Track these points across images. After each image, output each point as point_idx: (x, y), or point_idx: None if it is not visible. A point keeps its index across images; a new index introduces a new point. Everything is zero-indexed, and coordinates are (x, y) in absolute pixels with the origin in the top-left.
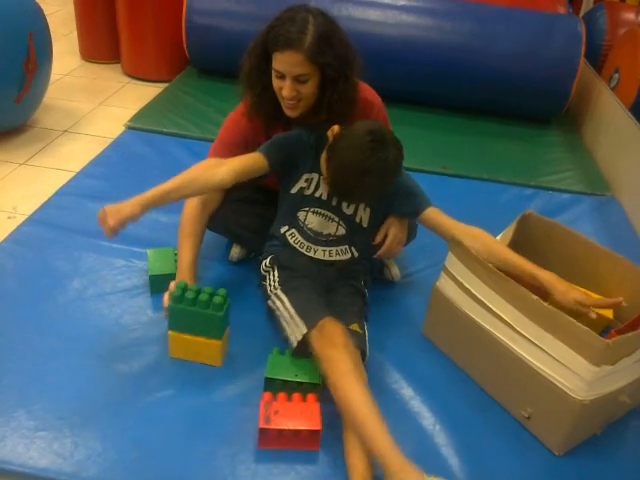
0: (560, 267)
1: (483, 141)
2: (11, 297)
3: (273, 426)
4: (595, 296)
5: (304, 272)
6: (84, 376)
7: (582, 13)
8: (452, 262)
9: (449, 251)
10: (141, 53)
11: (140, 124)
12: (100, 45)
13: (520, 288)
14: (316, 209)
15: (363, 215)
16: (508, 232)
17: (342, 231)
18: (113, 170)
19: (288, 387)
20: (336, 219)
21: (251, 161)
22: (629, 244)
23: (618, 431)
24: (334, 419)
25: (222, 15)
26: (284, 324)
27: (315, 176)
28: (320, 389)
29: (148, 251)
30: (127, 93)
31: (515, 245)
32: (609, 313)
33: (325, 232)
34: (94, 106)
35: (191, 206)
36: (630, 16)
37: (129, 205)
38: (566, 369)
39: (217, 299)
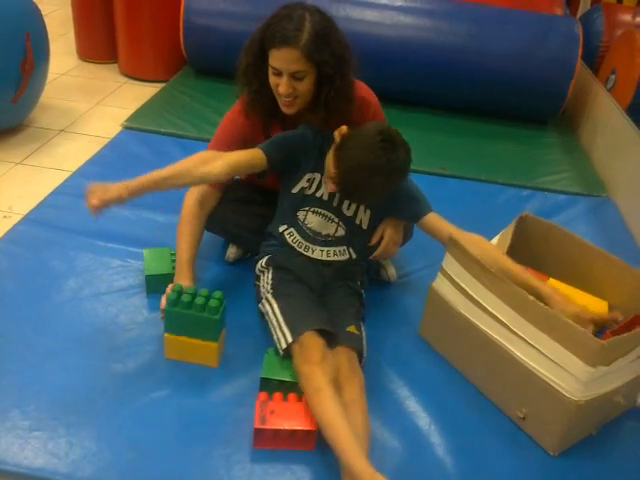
0: (556, 268)
1: (480, 142)
2: (7, 297)
3: (269, 426)
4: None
5: (300, 273)
6: (79, 376)
7: (579, 14)
8: (449, 262)
9: (446, 251)
10: (138, 53)
11: (137, 124)
12: (97, 45)
13: (516, 289)
14: (316, 209)
15: (363, 217)
16: (506, 234)
17: (341, 232)
18: (110, 170)
19: (284, 387)
20: (336, 220)
21: (250, 156)
22: (624, 245)
23: (613, 431)
24: None
25: (220, 15)
26: (272, 329)
27: (317, 176)
28: None
29: (144, 251)
30: (124, 93)
31: (512, 246)
32: (604, 314)
33: (324, 232)
34: (91, 106)
35: (189, 205)
36: (627, 17)
37: (116, 188)
38: (561, 370)
39: (213, 302)
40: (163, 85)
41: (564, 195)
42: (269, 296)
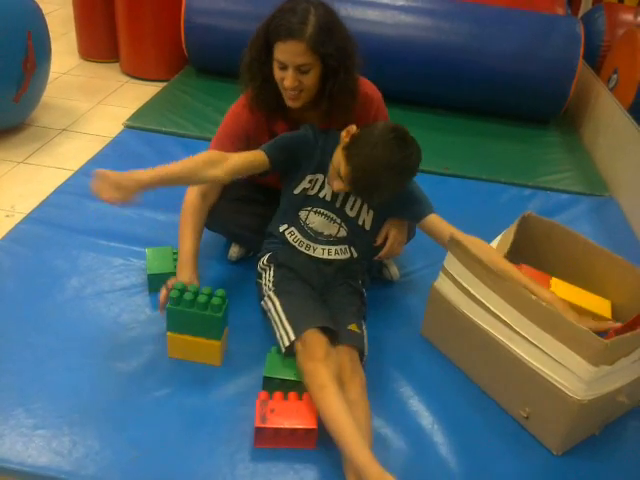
0: (559, 267)
1: (482, 141)
2: (9, 296)
3: (269, 425)
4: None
5: (302, 271)
6: (83, 375)
7: (581, 14)
8: (451, 262)
9: (448, 251)
10: (140, 52)
11: (138, 123)
12: (99, 44)
13: (519, 288)
14: (319, 209)
15: (366, 218)
16: (509, 233)
17: (343, 233)
18: (112, 169)
19: (286, 386)
20: (338, 221)
21: (252, 157)
22: (627, 244)
23: (616, 431)
24: None
25: (221, 15)
26: (274, 327)
27: (320, 177)
28: None
29: (146, 250)
30: (126, 92)
31: (515, 246)
32: (607, 313)
33: (326, 232)
34: (92, 105)
35: (191, 198)
36: (629, 17)
37: (127, 184)
38: (565, 369)
39: (215, 300)
40: (164, 84)
41: (566, 194)
42: (271, 294)
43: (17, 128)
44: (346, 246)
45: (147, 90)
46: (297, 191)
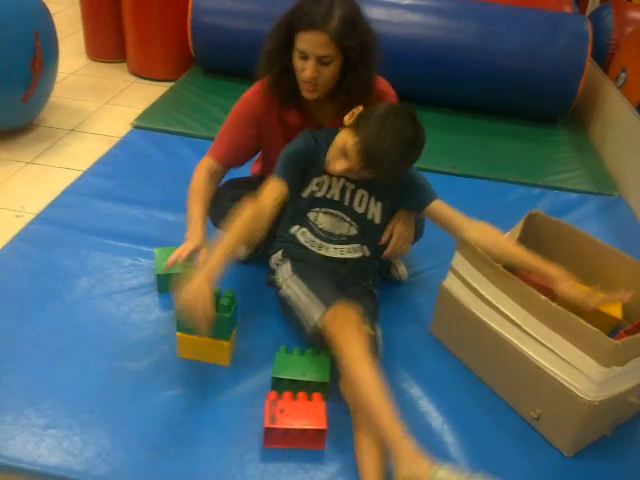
0: (568, 267)
1: (489, 141)
2: (19, 296)
3: (278, 425)
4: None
5: (317, 267)
6: (93, 375)
7: (588, 12)
8: (459, 261)
9: (456, 250)
10: (147, 52)
11: (146, 123)
12: (106, 44)
13: (528, 288)
14: (327, 209)
15: (375, 211)
16: (515, 231)
17: (354, 231)
18: (120, 169)
19: (295, 386)
20: (348, 219)
21: (277, 191)
22: (637, 244)
23: (628, 432)
24: (340, 418)
25: (228, 14)
26: (300, 308)
27: (326, 178)
28: (328, 387)
29: (155, 250)
30: (133, 92)
31: (522, 244)
32: (618, 314)
33: (337, 232)
34: (100, 105)
35: (199, 178)
36: (637, 15)
37: (205, 286)
38: (575, 370)
39: (224, 300)
40: (172, 84)
41: (575, 194)
42: (294, 277)
43: (25, 128)
44: (358, 244)
45: (154, 90)
46: (305, 194)
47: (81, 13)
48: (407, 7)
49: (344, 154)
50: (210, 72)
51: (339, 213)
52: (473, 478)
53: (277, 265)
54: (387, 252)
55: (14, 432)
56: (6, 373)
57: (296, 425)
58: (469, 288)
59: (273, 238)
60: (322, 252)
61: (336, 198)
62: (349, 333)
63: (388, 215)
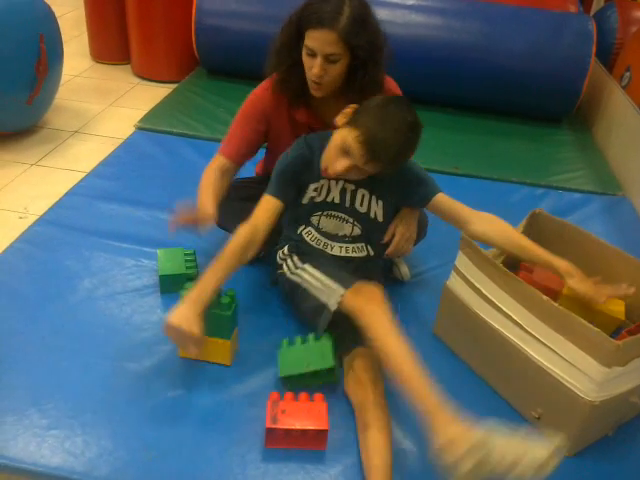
0: None
1: (493, 140)
2: (23, 297)
3: (280, 426)
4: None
5: (326, 260)
6: (95, 375)
7: (593, 11)
8: (462, 262)
9: (459, 250)
10: (151, 54)
11: (150, 125)
12: (110, 46)
13: (530, 288)
14: (329, 212)
15: (377, 210)
16: (518, 231)
17: (357, 231)
18: (123, 170)
19: (304, 379)
20: (350, 220)
21: (271, 211)
22: None
23: (630, 432)
24: (341, 418)
25: (231, 16)
26: (316, 292)
27: (324, 182)
28: (336, 372)
29: (158, 251)
30: (137, 94)
31: None
32: (621, 314)
33: (340, 234)
34: (104, 107)
35: (208, 179)
36: None
37: (192, 310)
38: (576, 370)
39: (225, 299)
40: (175, 86)
41: (579, 194)
42: (306, 266)
43: (30, 130)
44: (362, 244)
45: (158, 92)
46: (305, 201)
47: (85, 15)
48: (411, 7)
49: (345, 152)
50: (214, 74)
51: (341, 215)
52: (514, 438)
53: (283, 260)
54: (389, 251)
55: (16, 432)
56: (8, 373)
57: (297, 425)
58: (472, 288)
59: (275, 239)
60: (327, 250)
61: (336, 200)
62: (375, 307)
63: (391, 213)
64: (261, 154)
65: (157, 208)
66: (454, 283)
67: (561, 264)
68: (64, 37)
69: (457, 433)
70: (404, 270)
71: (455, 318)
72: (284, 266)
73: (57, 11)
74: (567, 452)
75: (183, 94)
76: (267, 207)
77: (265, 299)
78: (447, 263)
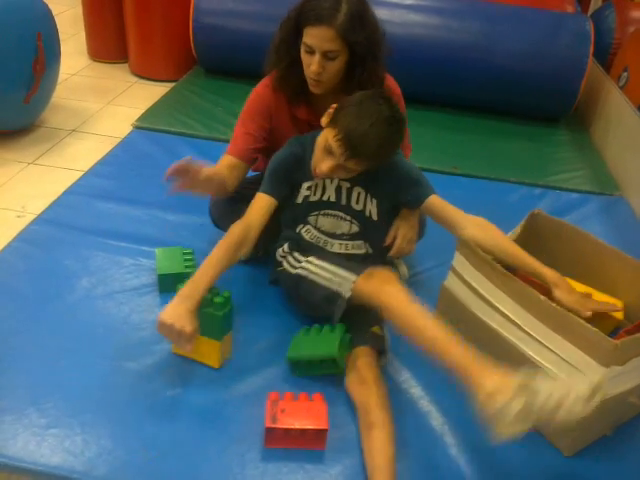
0: (569, 267)
1: (491, 140)
2: (21, 296)
3: (279, 425)
4: (600, 296)
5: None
6: (94, 374)
7: (590, 12)
8: (459, 262)
9: (456, 251)
10: (149, 53)
11: (148, 124)
12: (108, 45)
13: (528, 288)
14: (326, 211)
15: (372, 208)
16: (516, 231)
17: (355, 229)
18: (121, 169)
19: (309, 365)
20: (348, 217)
21: (265, 208)
22: (638, 244)
23: (628, 432)
24: (341, 418)
25: (229, 15)
26: (325, 281)
27: (318, 181)
28: (340, 362)
29: (156, 250)
30: (135, 92)
31: (523, 244)
32: (619, 314)
33: (339, 232)
34: (102, 106)
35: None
36: (639, 14)
37: (184, 308)
38: (575, 370)
39: (218, 299)
40: (173, 85)
41: (576, 194)
42: (311, 259)
43: (27, 129)
44: (361, 242)
45: (156, 90)
46: (299, 200)
47: (83, 14)
48: (409, 7)
49: (328, 152)
50: (212, 72)
51: (338, 213)
52: (556, 379)
53: (283, 257)
54: (392, 253)
55: (15, 432)
56: (7, 373)
57: (297, 425)
58: (469, 288)
59: (274, 239)
60: (327, 248)
61: (332, 199)
62: (390, 287)
63: (386, 212)
64: None
65: (155, 207)
66: (451, 283)
67: (548, 274)
68: (61, 36)
69: (500, 381)
70: (402, 270)
71: (453, 318)
72: (284, 263)
73: (54, 9)
74: (566, 452)
75: (181, 93)
76: (260, 205)
77: (264, 299)
78: (444, 263)
